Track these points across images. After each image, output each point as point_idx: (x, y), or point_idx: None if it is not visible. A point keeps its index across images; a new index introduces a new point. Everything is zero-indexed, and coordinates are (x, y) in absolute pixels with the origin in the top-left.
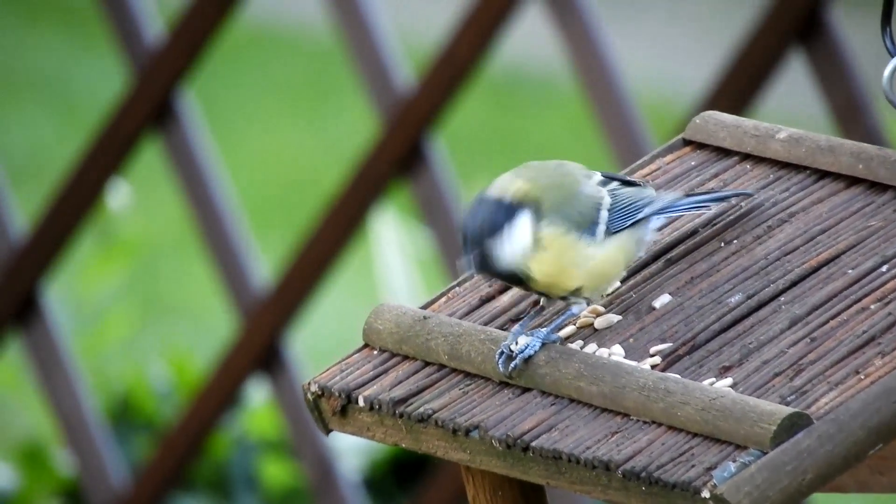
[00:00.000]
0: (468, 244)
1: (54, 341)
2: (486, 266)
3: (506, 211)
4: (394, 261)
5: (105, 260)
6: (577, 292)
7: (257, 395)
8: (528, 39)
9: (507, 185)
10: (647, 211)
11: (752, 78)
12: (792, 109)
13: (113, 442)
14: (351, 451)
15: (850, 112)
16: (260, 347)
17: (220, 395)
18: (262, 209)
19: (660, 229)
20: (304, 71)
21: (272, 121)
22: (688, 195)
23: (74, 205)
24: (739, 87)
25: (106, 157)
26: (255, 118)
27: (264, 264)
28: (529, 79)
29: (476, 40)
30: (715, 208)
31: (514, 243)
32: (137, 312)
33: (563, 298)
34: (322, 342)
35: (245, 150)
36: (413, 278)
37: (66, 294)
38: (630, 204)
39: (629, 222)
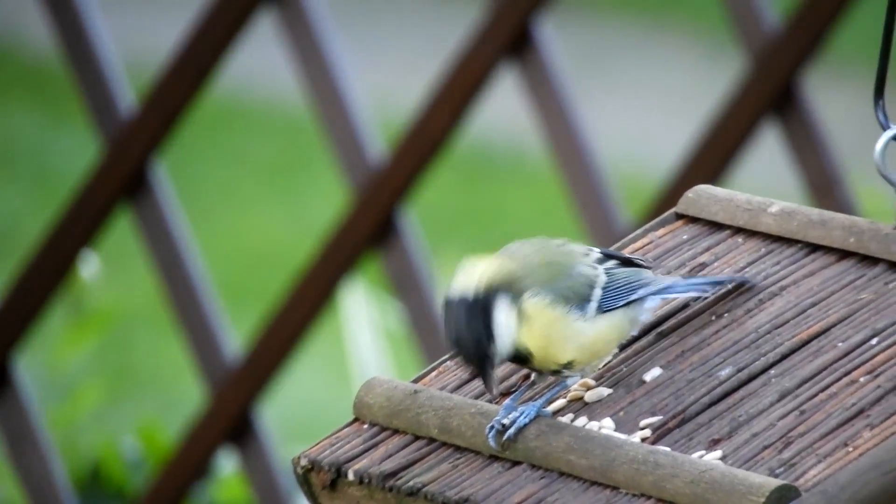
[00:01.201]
0: (471, 362)
1: (25, 412)
2: (494, 367)
3: (479, 310)
4: (364, 334)
5: (77, 331)
6: (569, 366)
7: (227, 465)
8: (499, 113)
9: (470, 276)
10: (641, 292)
11: (727, 151)
12: (765, 182)
13: None
14: None
15: (823, 184)
16: (230, 418)
17: (190, 465)
18: (233, 281)
19: (657, 309)
20: (276, 144)
21: (243, 193)
22: (685, 278)
23: (46, 275)
24: (714, 159)
25: (78, 227)
26: (226, 191)
27: (235, 336)
28: (499, 153)
29: (449, 114)
30: (711, 293)
31: (504, 334)
32: (108, 383)
33: (556, 372)
34: (292, 414)
35: (216, 223)
36: (383, 352)
37: (37, 365)
38: (626, 284)
39: (622, 302)
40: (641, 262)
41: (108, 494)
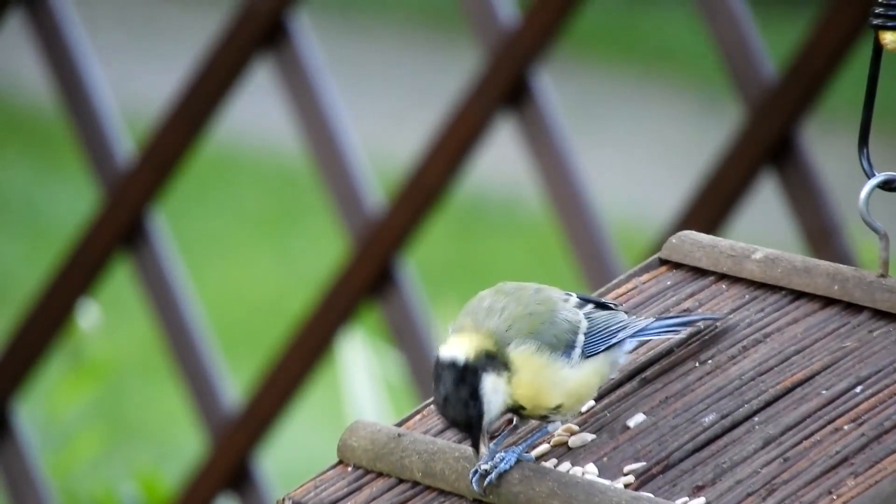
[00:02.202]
0: (460, 428)
1: (24, 460)
2: (482, 431)
3: (467, 377)
4: (362, 383)
5: (75, 380)
6: (557, 410)
7: None
8: (494, 162)
9: (458, 343)
10: (621, 335)
11: (724, 201)
12: (763, 232)
13: None
14: None
15: (821, 234)
16: (229, 467)
17: None
18: (230, 332)
19: (631, 352)
20: (269, 194)
21: (239, 243)
22: (658, 319)
23: (44, 325)
24: (711, 210)
25: (75, 277)
26: (219, 241)
27: (233, 386)
28: (494, 202)
29: (446, 163)
30: (684, 332)
31: (493, 400)
32: (107, 432)
33: (543, 417)
34: (291, 462)
35: (210, 273)
36: (381, 401)
37: (35, 413)
38: (605, 328)
39: (603, 346)
40: (613, 305)
41: None
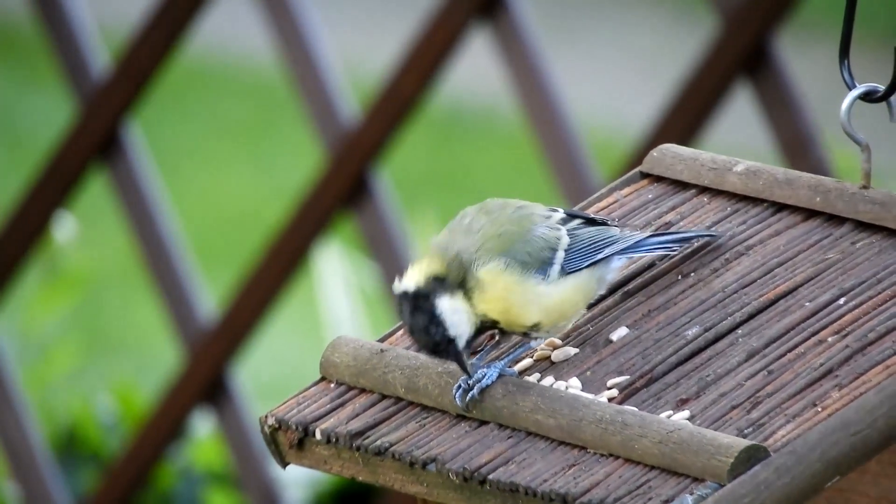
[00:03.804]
0: (435, 352)
1: (1, 373)
2: (461, 350)
3: (421, 303)
4: (338, 294)
5: (51, 293)
6: (536, 328)
7: (203, 426)
8: (471, 73)
9: (411, 273)
10: (607, 251)
11: (699, 111)
12: (739, 142)
13: (59, 473)
14: (297, 482)
15: (797, 144)
16: (205, 379)
17: (165, 426)
18: (206, 243)
19: (624, 268)
20: (246, 104)
21: (215, 155)
22: (652, 235)
23: (21, 237)
24: (686, 120)
25: (51, 189)
26: (198, 152)
27: (209, 297)
28: (471, 113)
29: (421, 74)
30: (678, 249)
31: (455, 319)
32: (83, 344)
33: (525, 334)
34: (267, 374)
35: (189, 185)
36: (357, 311)
37: (11, 327)
38: (590, 244)
39: (586, 263)
40: (607, 221)
41: (84, 456)
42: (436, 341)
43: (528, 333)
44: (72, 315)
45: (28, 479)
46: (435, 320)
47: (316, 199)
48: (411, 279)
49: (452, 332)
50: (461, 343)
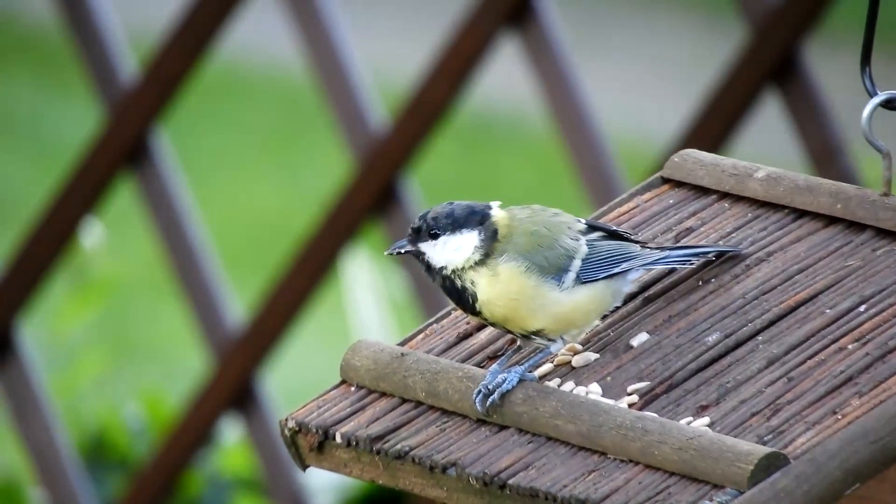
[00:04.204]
0: (417, 223)
1: (29, 380)
2: (416, 250)
3: (467, 219)
4: (366, 301)
5: (79, 299)
6: (539, 333)
7: (230, 433)
8: (499, 81)
9: (498, 210)
10: (625, 266)
11: (728, 119)
12: (767, 151)
13: (86, 480)
14: (325, 489)
15: (825, 153)
16: (233, 386)
17: (193, 433)
18: (234, 250)
19: (644, 274)
20: (274, 112)
21: (244, 162)
22: (671, 249)
23: (48, 244)
24: (715, 128)
25: (79, 196)
26: (227, 159)
27: (237, 304)
28: (500, 120)
29: (449, 81)
30: (696, 262)
31: (453, 247)
32: (111, 351)
33: (526, 337)
34: (295, 381)
35: (217, 192)
36: (385, 318)
37: (40, 333)
38: (608, 256)
39: (603, 275)
40: (628, 235)
41: (112, 463)
42: (423, 232)
43: (528, 337)
44: (99, 322)
45: (56, 485)
46: (454, 237)
47: (344, 207)
48: (498, 210)
49: (445, 252)
50: (420, 242)
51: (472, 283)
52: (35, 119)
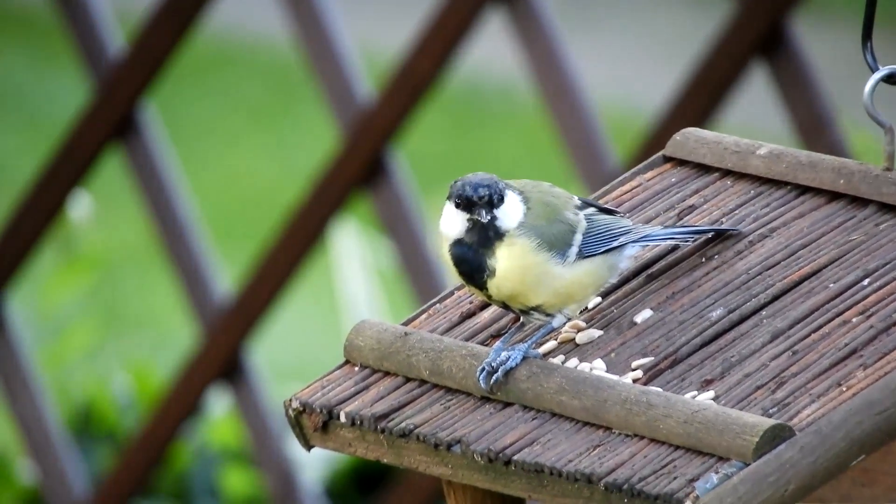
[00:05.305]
0: (476, 195)
1: (16, 353)
2: (493, 217)
3: (500, 188)
4: (354, 273)
5: (67, 272)
6: (538, 308)
7: (218, 405)
8: (486, 54)
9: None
10: (622, 239)
11: (716, 91)
12: (755, 123)
13: (75, 452)
14: (312, 461)
15: (813, 125)
16: (221, 358)
17: (181, 405)
18: (222, 222)
19: (647, 251)
20: (264, 85)
21: (232, 134)
22: (665, 227)
23: (37, 217)
24: (702, 100)
25: (68, 169)
26: (214, 132)
27: (226, 276)
28: (488, 94)
29: (437, 54)
30: (692, 241)
31: (510, 209)
32: (99, 324)
33: (524, 312)
34: (283, 353)
35: (205, 164)
36: (374, 290)
37: (27, 306)
38: (606, 231)
39: (602, 249)
40: (617, 212)
41: (100, 436)
42: (489, 200)
43: (527, 312)
44: (88, 295)
45: (44, 457)
46: (507, 202)
47: (332, 179)
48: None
49: (507, 214)
50: (496, 225)
51: (494, 255)
52: (24, 92)
